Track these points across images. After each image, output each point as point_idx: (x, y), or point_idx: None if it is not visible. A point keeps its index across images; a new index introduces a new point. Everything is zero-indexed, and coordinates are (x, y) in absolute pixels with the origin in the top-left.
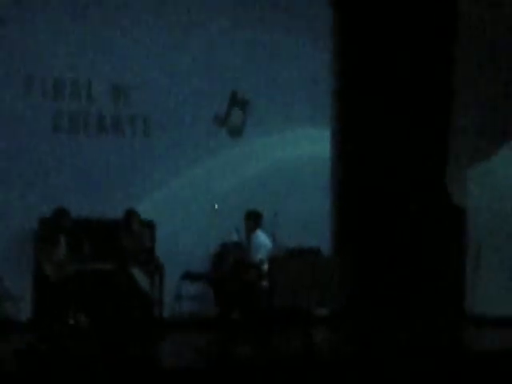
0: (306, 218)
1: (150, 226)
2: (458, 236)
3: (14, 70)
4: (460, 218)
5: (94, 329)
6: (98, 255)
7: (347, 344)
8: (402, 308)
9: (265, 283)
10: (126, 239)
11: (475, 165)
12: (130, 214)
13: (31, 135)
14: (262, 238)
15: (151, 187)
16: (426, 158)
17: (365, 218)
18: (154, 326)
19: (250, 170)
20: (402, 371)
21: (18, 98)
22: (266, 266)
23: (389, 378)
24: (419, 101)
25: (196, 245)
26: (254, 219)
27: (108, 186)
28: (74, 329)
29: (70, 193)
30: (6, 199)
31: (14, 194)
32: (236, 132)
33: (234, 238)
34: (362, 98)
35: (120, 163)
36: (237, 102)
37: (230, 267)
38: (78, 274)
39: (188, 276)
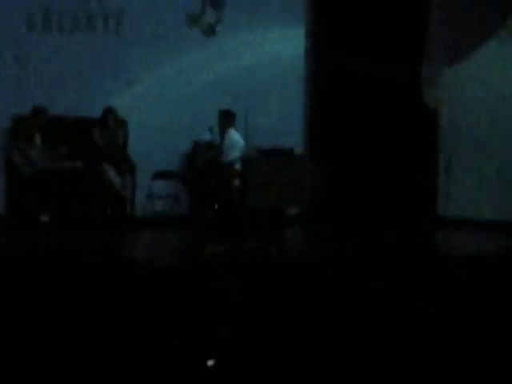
0: (279, 118)
1: (122, 124)
2: (432, 140)
3: None
4: (433, 122)
5: (63, 226)
6: (72, 154)
7: (318, 244)
8: (373, 212)
9: (237, 183)
10: (100, 137)
11: (452, 68)
12: (107, 110)
13: (5, 34)
14: (235, 136)
15: (124, 85)
16: (400, 57)
17: (338, 120)
18: (126, 224)
19: (223, 69)
20: (372, 274)
21: None
22: (238, 166)
23: (359, 280)
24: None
25: (168, 144)
26: (226, 118)
27: (81, 84)
28: (46, 226)
29: (44, 91)
30: None
31: None
32: (209, 31)
33: (207, 137)
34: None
35: (93, 61)
36: (211, 1)
37: (202, 166)
38: (51, 170)
39: (160, 175)
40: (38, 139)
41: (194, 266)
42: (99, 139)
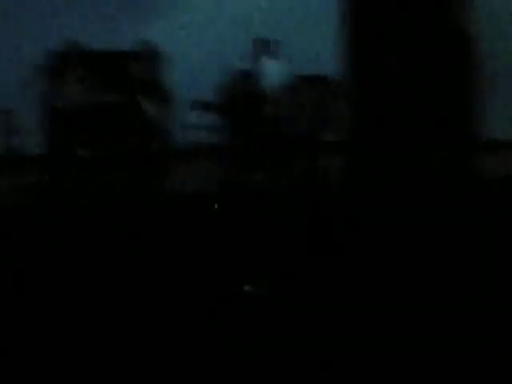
0: (315, 46)
1: (159, 55)
2: (469, 62)
3: None
4: (469, 44)
5: (102, 161)
6: (108, 87)
7: (356, 170)
8: (412, 137)
9: (273, 110)
10: (135, 69)
11: None
12: (144, 43)
13: None
14: (272, 64)
15: (160, 16)
16: None
17: (377, 46)
18: (165, 155)
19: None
20: (409, 200)
21: None
22: (277, 94)
23: (396, 203)
24: None
25: (205, 73)
26: (261, 46)
27: (116, 16)
28: (84, 161)
29: (78, 24)
30: (14, 33)
31: (22, 28)
32: None
33: (243, 66)
34: None
35: None
36: None
37: (240, 95)
38: (88, 105)
39: (197, 105)
40: (73, 74)
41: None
42: (135, 72)
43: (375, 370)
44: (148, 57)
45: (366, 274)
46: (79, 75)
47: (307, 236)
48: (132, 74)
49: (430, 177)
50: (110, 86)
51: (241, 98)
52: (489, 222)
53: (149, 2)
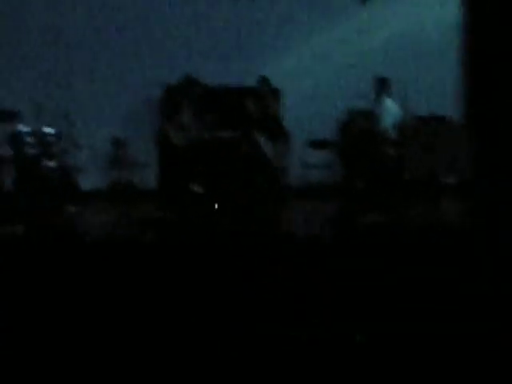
0: (435, 85)
1: (276, 92)
2: None
3: None
4: None
5: (215, 197)
6: (224, 123)
7: (475, 214)
8: None
9: (392, 151)
10: (253, 106)
11: None
12: (261, 79)
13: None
14: (390, 104)
15: (278, 53)
16: None
17: (498, 85)
18: (280, 194)
19: (379, 36)
20: None
21: None
22: (394, 134)
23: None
24: None
25: (323, 112)
26: (381, 85)
27: (234, 53)
28: (198, 196)
29: (197, 60)
30: (134, 66)
31: (141, 61)
32: None
33: (362, 104)
34: None
35: (246, 29)
36: None
37: (357, 135)
38: (203, 140)
39: (315, 144)
40: (189, 110)
41: (347, 236)
42: (252, 109)
43: None
44: (265, 94)
45: None
46: (196, 110)
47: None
48: (249, 110)
49: None
50: (227, 122)
51: (359, 137)
52: None
53: (269, 39)
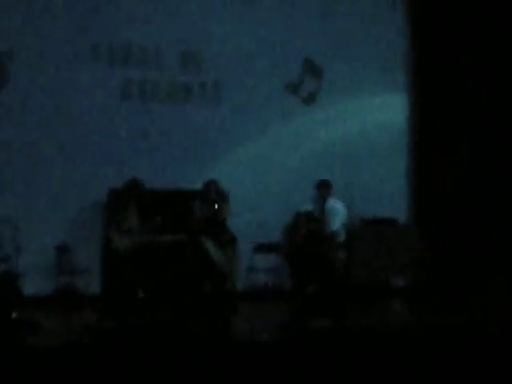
0: (381, 187)
1: (225, 196)
2: None
3: (80, 39)
4: None
5: (163, 303)
6: (170, 227)
7: (425, 316)
8: (481, 282)
9: (340, 254)
10: (200, 209)
11: None
12: (209, 183)
13: (100, 104)
14: (337, 204)
15: (222, 156)
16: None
17: (443, 190)
18: (227, 298)
19: (323, 138)
20: (480, 344)
21: (86, 67)
22: (341, 237)
23: (468, 350)
24: (498, 66)
25: (269, 214)
26: (325, 188)
27: (178, 156)
28: (144, 303)
29: (140, 162)
30: (76, 170)
31: (83, 165)
32: (310, 99)
33: (309, 207)
34: (437, 65)
35: (190, 131)
36: (310, 69)
37: (303, 238)
38: (148, 245)
39: (261, 248)
40: (133, 212)
41: (295, 341)
42: (200, 212)
43: None
44: (212, 197)
45: None
46: (140, 214)
47: None
48: (196, 213)
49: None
50: (172, 225)
51: (305, 240)
52: None
53: (214, 141)
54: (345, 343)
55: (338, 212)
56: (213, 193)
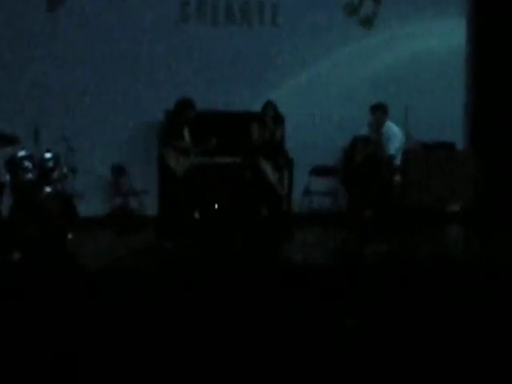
0: (439, 112)
1: (280, 118)
2: None
3: None
4: None
5: (218, 225)
6: (226, 148)
7: (479, 243)
8: None
9: (397, 178)
10: (258, 132)
11: None
12: (268, 104)
13: (159, 25)
14: (393, 128)
15: (279, 78)
16: None
17: (501, 114)
18: (283, 221)
19: (381, 62)
20: None
21: None
22: (398, 161)
23: None
24: None
25: (326, 138)
26: (381, 112)
27: (235, 78)
28: (200, 224)
29: (197, 83)
30: (132, 91)
31: (140, 85)
32: (367, 22)
33: (366, 131)
34: None
35: (248, 53)
36: None
37: (361, 162)
38: (205, 166)
39: (317, 171)
40: (186, 133)
41: (353, 265)
42: (257, 134)
43: None
44: (270, 120)
45: None
46: (195, 136)
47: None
48: (254, 135)
49: None
50: (231, 147)
51: (363, 164)
52: None
53: (272, 63)
54: (398, 270)
55: (394, 136)
56: (270, 115)
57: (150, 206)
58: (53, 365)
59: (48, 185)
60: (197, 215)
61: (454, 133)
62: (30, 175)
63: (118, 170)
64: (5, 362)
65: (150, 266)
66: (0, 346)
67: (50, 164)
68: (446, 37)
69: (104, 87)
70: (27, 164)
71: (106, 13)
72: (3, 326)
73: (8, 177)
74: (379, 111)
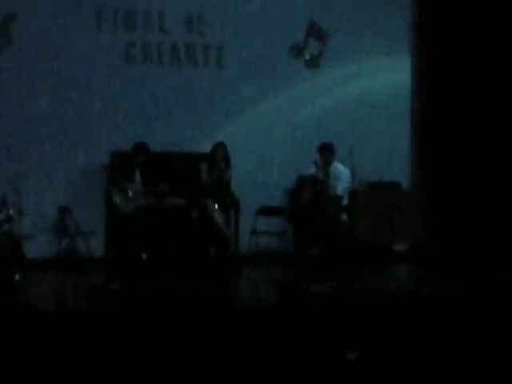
0: (385, 150)
1: (228, 159)
2: None
3: (85, 2)
4: None
5: (166, 265)
6: (174, 190)
7: (428, 280)
8: (482, 243)
9: (344, 217)
10: (207, 172)
11: None
12: (218, 146)
13: (104, 67)
14: (341, 168)
15: (225, 119)
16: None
17: (446, 152)
18: (230, 261)
19: (326, 102)
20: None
21: (90, 30)
22: (345, 200)
23: (473, 314)
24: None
25: (272, 179)
26: (328, 151)
27: (181, 119)
28: (147, 265)
29: (143, 125)
30: (79, 132)
31: (86, 127)
32: (313, 62)
33: (312, 170)
34: (442, 28)
35: (192, 95)
36: (314, 32)
37: (307, 201)
38: (151, 207)
39: (264, 211)
40: (138, 176)
41: (297, 305)
42: (206, 175)
43: None
44: (221, 161)
45: None
46: (144, 177)
47: None
48: (203, 176)
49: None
50: (177, 189)
51: (309, 203)
52: None
53: (218, 105)
54: (345, 308)
55: (342, 175)
56: (220, 155)
57: (97, 247)
58: None
59: None
60: (144, 256)
61: (401, 172)
62: None
63: (65, 211)
64: None
65: (97, 307)
66: None
67: None
68: (392, 75)
69: (50, 129)
70: None
71: (53, 56)
72: None
73: None
74: (326, 151)
